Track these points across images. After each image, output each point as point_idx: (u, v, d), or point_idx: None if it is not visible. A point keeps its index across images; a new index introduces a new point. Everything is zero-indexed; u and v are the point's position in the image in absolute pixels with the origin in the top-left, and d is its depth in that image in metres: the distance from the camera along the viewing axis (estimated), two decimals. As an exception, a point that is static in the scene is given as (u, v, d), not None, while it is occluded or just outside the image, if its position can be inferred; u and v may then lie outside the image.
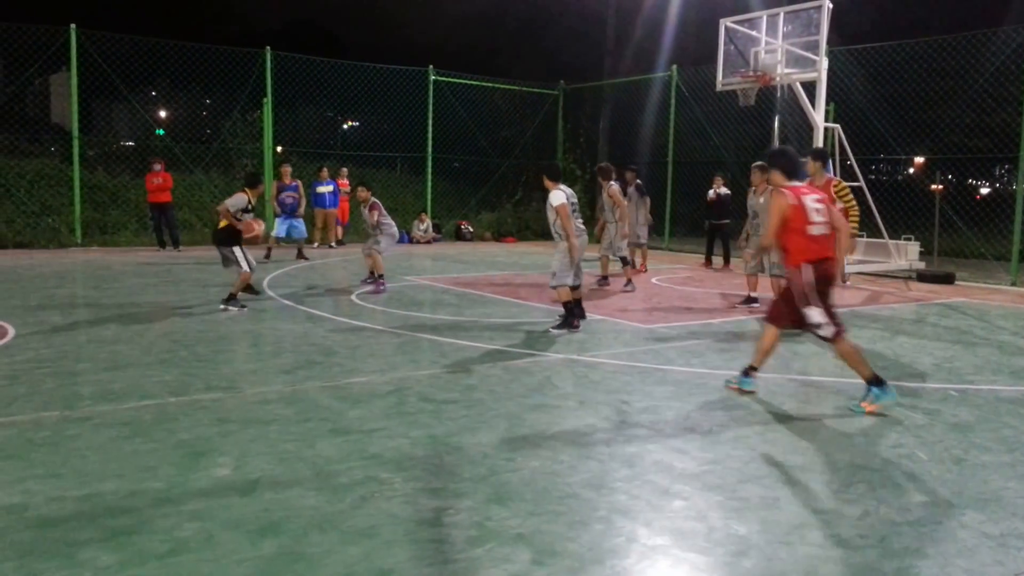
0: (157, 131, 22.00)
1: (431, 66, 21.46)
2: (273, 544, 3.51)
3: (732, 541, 3.66)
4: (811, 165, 10.20)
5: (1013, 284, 13.92)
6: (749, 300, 10.77)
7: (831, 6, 13.71)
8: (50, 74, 23.12)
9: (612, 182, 12.25)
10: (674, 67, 20.55)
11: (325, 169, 18.50)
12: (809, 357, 7.76)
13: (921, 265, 14.82)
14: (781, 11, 14.33)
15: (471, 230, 22.53)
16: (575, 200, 9.03)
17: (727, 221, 15.85)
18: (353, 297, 10.91)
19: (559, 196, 8.79)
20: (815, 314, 5.92)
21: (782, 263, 6.69)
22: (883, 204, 15.55)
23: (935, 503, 4.17)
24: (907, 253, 14.62)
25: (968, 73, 16.44)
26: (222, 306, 9.64)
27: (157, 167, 16.96)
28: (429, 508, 3.94)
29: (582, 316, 9.20)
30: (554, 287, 8.95)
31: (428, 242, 20.83)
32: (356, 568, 3.33)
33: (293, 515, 3.81)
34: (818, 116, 14.35)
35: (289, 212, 15.69)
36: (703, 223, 16.50)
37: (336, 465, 4.49)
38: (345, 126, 29.35)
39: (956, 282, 14.15)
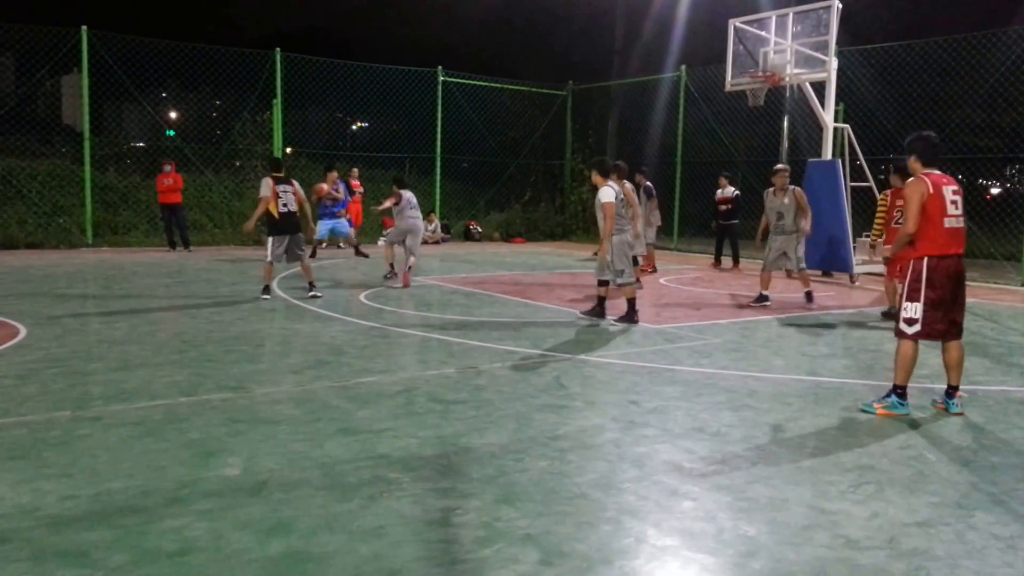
0: (167, 132, 22.10)
1: (440, 67, 21.49)
2: (282, 544, 3.52)
3: (741, 542, 3.65)
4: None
5: (1023, 284, 13.85)
6: (761, 298, 10.83)
7: (840, 6, 13.67)
8: (61, 75, 23.24)
9: (626, 181, 12.30)
10: (683, 67, 20.51)
11: (335, 171, 18.50)
12: (817, 358, 7.74)
13: None
14: (790, 11, 14.30)
15: (480, 230, 22.54)
16: (623, 197, 9.14)
17: (736, 221, 15.80)
18: (362, 297, 10.93)
19: (608, 193, 8.92)
20: (911, 308, 5.76)
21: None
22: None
23: (944, 504, 4.15)
24: None
25: (978, 73, 16.35)
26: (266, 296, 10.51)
27: (168, 168, 17.03)
28: (437, 508, 3.94)
29: (601, 316, 9.39)
30: (621, 285, 9.15)
31: (437, 242, 20.83)
32: (365, 568, 3.33)
33: (302, 515, 3.82)
34: (828, 116, 14.31)
35: (330, 214, 15.68)
36: (711, 223, 16.46)
37: (345, 465, 4.49)
38: (354, 127, 29.40)
39: (966, 282, 14.05)
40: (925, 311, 5.71)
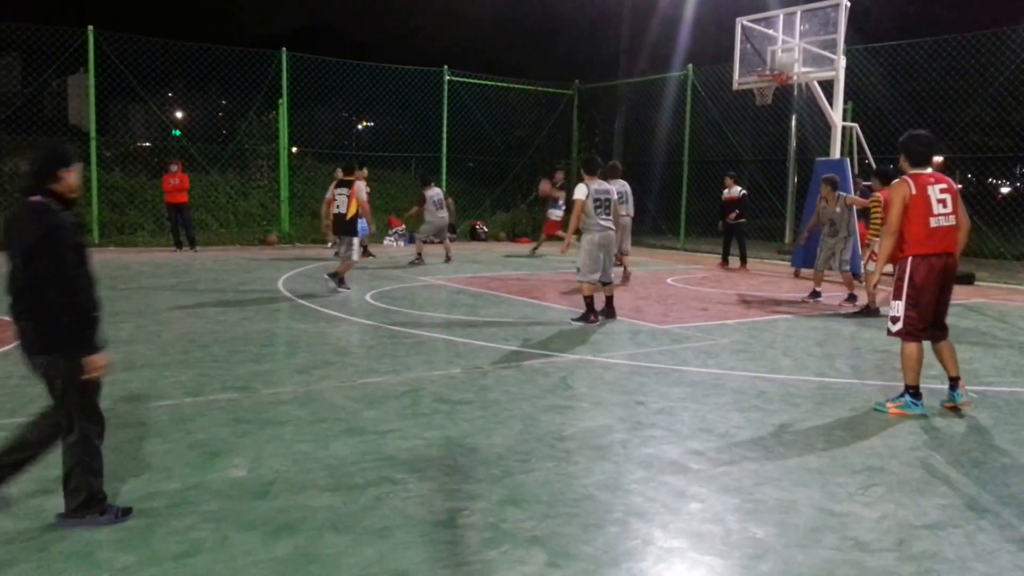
0: (173, 132, 22.11)
1: (446, 66, 21.47)
2: (288, 545, 3.51)
3: (749, 544, 3.64)
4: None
5: (1033, 284, 13.79)
6: (814, 295, 11.34)
7: (849, 4, 13.63)
8: (68, 75, 23.24)
9: (622, 180, 12.42)
10: (690, 66, 20.46)
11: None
12: (825, 359, 7.71)
13: None
14: (798, 9, 14.26)
15: (486, 230, 22.52)
16: (606, 196, 9.14)
17: (743, 221, 15.73)
18: (367, 297, 10.93)
19: (580, 190, 9.08)
20: (896, 307, 5.83)
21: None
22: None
23: (954, 506, 4.13)
24: None
25: (988, 71, 16.29)
26: (331, 284, 11.17)
27: (174, 168, 17.01)
28: (444, 509, 3.94)
29: (612, 316, 9.38)
30: (580, 282, 9.22)
31: (441, 242, 20.79)
32: (371, 569, 3.32)
33: (308, 516, 3.81)
34: (836, 115, 14.27)
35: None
36: (718, 223, 16.39)
37: (351, 466, 4.49)
38: (360, 126, 29.40)
39: (976, 283, 14.00)
40: (906, 309, 5.76)
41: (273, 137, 19.80)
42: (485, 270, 14.75)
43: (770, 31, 14.69)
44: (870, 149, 14.74)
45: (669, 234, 21.35)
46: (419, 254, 15.11)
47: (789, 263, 15.72)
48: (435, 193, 15.17)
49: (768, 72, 14.39)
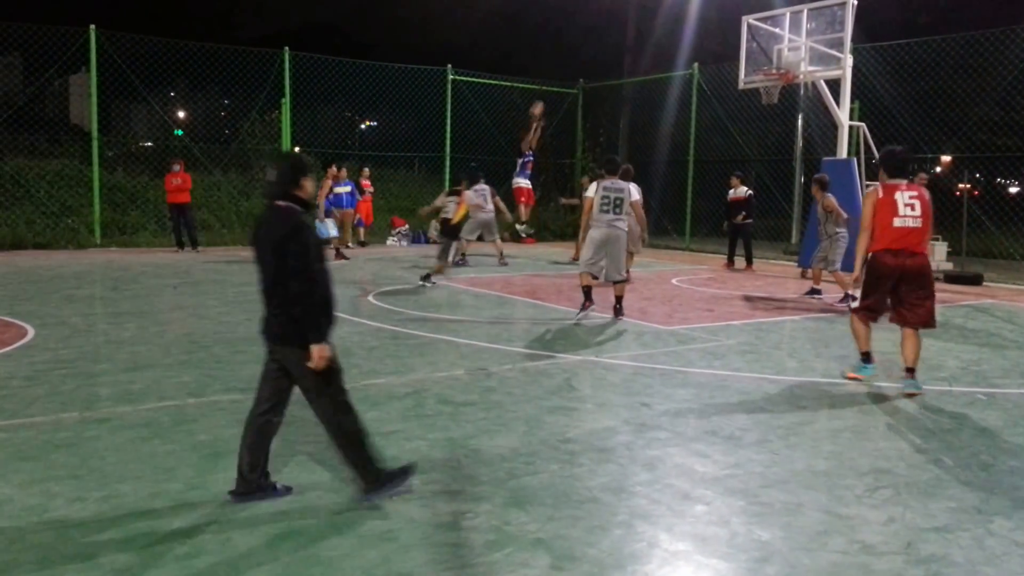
0: (176, 132, 22.09)
1: (449, 65, 21.41)
2: (291, 547, 3.50)
3: (755, 547, 3.62)
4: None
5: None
6: (813, 292, 11.63)
7: (855, 2, 13.57)
8: (70, 75, 23.27)
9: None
10: (695, 65, 20.42)
11: (344, 169, 18.51)
12: (832, 360, 7.67)
13: (948, 266, 14.60)
14: (805, 8, 14.20)
15: (488, 230, 22.47)
16: (618, 195, 9.37)
17: (749, 221, 15.67)
18: (370, 298, 10.91)
19: (590, 189, 9.64)
20: (860, 291, 6.77)
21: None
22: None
23: (962, 509, 4.10)
24: (934, 254, 14.38)
25: (996, 70, 16.21)
26: (424, 283, 11.91)
27: (176, 167, 16.96)
28: (447, 512, 3.92)
29: (618, 315, 9.50)
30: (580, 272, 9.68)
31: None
32: (374, 572, 3.30)
33: (311, 518, 3.80)
34: (843, 114, 14.22)
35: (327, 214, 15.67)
36: (723, 224, 16.34)
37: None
38: (363, 126, 29.41)
39: (984, 283, 13.94)
40: (863, 295, 6.67)
41: (276, 137, 19.78)
42: (488, 271, 14.72)
43: (776, 30, 14.63)
44: (877, 149, 14.67)
45: (674, 234, 21.30)
46: (463, 254, 14.95)
47: (796, 264, 15.67)
48: (474, 192, 14.93)
49: (774, 71, 14.33)
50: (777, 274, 15.12)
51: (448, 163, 21.83)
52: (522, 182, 18.35)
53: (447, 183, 21.90)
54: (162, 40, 17.87)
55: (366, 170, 19.69)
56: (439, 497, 4.09)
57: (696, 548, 3.61)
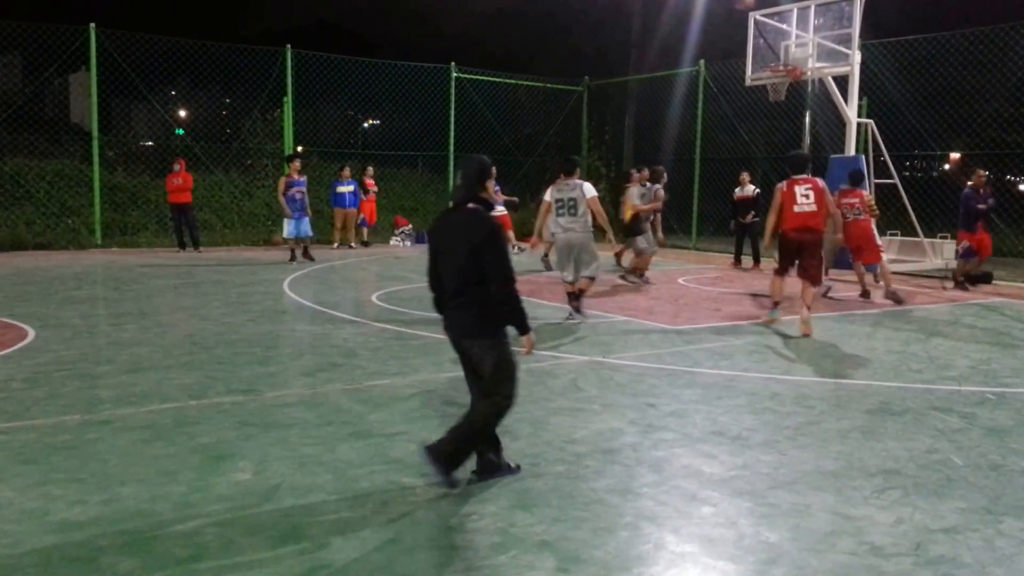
0: (177, 131, 22.04)
1: (453, 63, 21.35)
2: (294, 550, 3.47)
3: (762, 548, 3.59)
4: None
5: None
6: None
7: (863, -2, 13.51)
8: (69, 73, 23.14)
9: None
10: (701, 62, 20.34)
11: (347, 168, 18.47)
12: (840, 359, 7.62)
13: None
14: (812, 4, 14.13)
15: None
16: (566, 195, 9.25)
17: (757, 220, 15.58)
18: (374, 298, 10.88)
19: (548, 192, 9.61)
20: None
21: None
22: (918, 201, 15.26)
23: (971, 510, 4.06)
24: (943, 252, 14.29)
25: (1006, 65, 16.12)
26: (632, 279, 12.30)
27: (177, 167, 16.88)
28: (452, 514, 3.89)
29: (578, 311, 9.44)
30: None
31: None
32: (378, 575, 3.28)
33: (314, 521, 3.77)
34: (851, 111, 14.16)
35: (300, 209, 14.93)
36: (730, 222, 16.25)
37: (357, 470, 4.44)
38: (366, 124, 29.33)
39: (994, 281, 13.85)
40: (780, 260, 9.26)
41: (278, 136, 19.73)
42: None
43: (783, 26, 14.56)
44: (885, 146, 14.60)
45: (681, 233, 21.22)
46: (625, 261, 13.93)
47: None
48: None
49: (781, 67, 14.26)
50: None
51: (452, 162, 21.78)
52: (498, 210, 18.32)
53: (451, 182, 21.88)
54: (163, 38, 17.83)
55: (370, 169, 19.63)
56: (443, 499, 4.06)
57: (703, 550, 3.58)
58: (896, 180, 14.25)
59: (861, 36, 13.93)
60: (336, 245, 18.46)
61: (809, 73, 14.17)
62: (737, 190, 15.67)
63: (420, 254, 15.54)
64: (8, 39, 16.75)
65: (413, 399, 5.90)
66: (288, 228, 15.02)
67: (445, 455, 4.06)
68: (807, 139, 17.76)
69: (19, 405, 5.54)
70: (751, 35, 14.89)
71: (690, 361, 7.33)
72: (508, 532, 3.69)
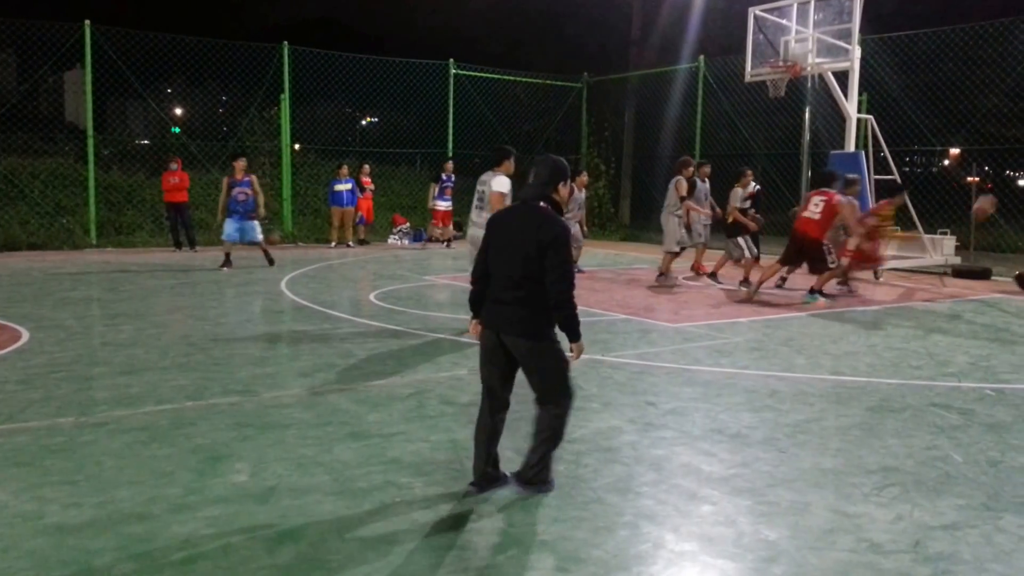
0: (173, 129, 21.93)
1: (451, 59, 21.28)
2: (291, 551, 3.46)
3: (762, 547, 3.58)
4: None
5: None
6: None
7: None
8: (64, 71, 22.98)
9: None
10: (701, 58, 20.31)
11: (345, 167, 18.42)
12: (840, 356, 7.60)
13: (957, 260, 14.46)
14: (812, -1, 14.11)
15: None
16: (480, 187, 8.62)
17: (759, 216, 15.52)
18: (371, 297, 10.86)
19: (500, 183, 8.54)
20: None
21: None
22: (917, 197, 15.22)
23: (970, 506, 4.06)
24: (942, 248, 14.25)
25: (1006, 61, 16.10)
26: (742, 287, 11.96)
27: (173, 166, 16.76)
28: (451, 514, 3.88)
29: None
30: None
31: (448, 240, 20.71)
32: (376, 576, 3.26)
33: (311, 522, 3.75)
34: (851, 107, 14.13)
35: (243, 212, 13.70)
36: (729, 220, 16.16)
37: (355, 470, 4.42)
38: (364, 122, 29.26)
39: (993, 277, 13.83)
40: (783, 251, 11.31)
41: (275, 134, 19.64)
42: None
43: (783, 21, 14.52)
44: (885, 142, 14.58)
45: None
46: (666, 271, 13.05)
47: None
48: (707, 188, 13.54)
49: (781, 63, 14.22)
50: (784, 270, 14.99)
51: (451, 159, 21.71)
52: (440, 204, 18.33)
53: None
54: (158, 35, 17.71)
55: (367, 167, 19.56)
56: (442, 499, 4.04)
57: (702, 548, 3.57)
58: (896, 176, 14.25)
59: (861, 31, 13.90)
60: (334, 244, 18.42)
61: (809, 69, 14.14)
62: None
63: (418, 253, 15.56)
64: (2, 36, 16.65)
65: (411, 399, 5.88)
66: (225, 230, 13.76)
67: (535, 473, 4.14)
68: (807, 135, 17.73)
69: (13, 407, 5.51)
70: (751, 31, 14.85)
71: (689, 359, 7.31)
72: (507, 532, 3.69)
